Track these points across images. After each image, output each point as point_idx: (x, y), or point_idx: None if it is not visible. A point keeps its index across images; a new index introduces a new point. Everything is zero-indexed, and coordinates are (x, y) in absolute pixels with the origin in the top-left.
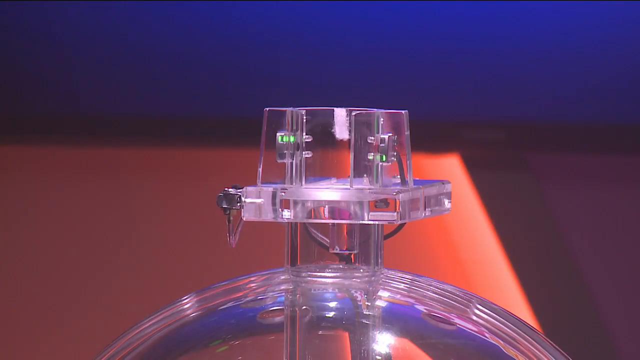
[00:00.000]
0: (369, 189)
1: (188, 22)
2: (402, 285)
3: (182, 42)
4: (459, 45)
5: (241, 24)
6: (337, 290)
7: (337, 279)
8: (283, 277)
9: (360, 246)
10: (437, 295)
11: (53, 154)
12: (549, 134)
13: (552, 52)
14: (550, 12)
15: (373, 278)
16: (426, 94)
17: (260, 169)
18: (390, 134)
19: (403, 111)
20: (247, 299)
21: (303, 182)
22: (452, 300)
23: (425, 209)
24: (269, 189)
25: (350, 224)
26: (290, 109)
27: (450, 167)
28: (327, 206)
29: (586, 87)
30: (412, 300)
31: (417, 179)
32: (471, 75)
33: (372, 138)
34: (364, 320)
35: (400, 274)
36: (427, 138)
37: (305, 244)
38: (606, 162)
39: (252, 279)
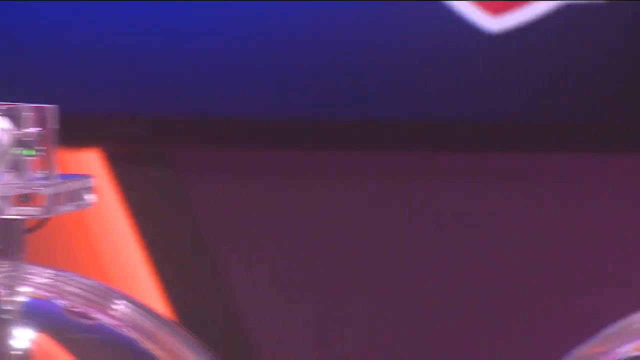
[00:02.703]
0: (14, 183)
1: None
2: (43, 280)
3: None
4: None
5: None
6: None
7: None
8: None
9: (2, 241)
10: (78, 290)
11: None
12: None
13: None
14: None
15: (14, 273)
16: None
17: None
18: (37, 129)
19: (50, 106)
20: None
21: None
22: (93, 295)
23: (69, 203)
24: None
25: None
26: None
27: (92, 162)
28: None
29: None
30: (53, 295)
31: (62, 173)
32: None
33: (19, 132)
34: (4, 316)
35: (42, 269)
36: (70, 133)
37: None
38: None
39: None
